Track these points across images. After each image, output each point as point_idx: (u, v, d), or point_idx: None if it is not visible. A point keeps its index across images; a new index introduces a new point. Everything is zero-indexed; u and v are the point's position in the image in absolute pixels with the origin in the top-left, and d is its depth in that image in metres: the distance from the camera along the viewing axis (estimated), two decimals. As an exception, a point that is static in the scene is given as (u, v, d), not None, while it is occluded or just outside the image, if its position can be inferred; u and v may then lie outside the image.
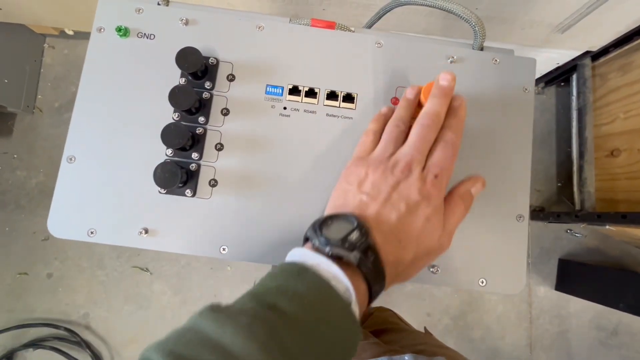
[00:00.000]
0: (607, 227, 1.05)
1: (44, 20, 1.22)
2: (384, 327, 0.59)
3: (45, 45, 1.38)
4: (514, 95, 0.35)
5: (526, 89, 0.35)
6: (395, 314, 0.66)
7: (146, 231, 0.32)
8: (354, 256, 0.23)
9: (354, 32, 0.37)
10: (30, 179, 1.30)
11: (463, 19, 0.35)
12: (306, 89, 0.35)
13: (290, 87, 0.35)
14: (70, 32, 1.32)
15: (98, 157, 0.33)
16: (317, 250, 0.24)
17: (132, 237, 0.32)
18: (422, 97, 0.32)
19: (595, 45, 1.07)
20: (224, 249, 0.32)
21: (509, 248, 0.33)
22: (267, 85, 0.35)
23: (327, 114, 0.34)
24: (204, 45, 0.35)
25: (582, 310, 1.30)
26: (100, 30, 0.34)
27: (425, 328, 0.60)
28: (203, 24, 0.35)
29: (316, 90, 0.35)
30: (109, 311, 1.26)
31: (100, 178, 0.33)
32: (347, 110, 0.35)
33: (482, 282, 0.33)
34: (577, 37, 0.99)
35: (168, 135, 0.31)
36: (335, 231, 0.24)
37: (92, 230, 0.32)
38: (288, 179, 0.33)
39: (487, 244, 0.33)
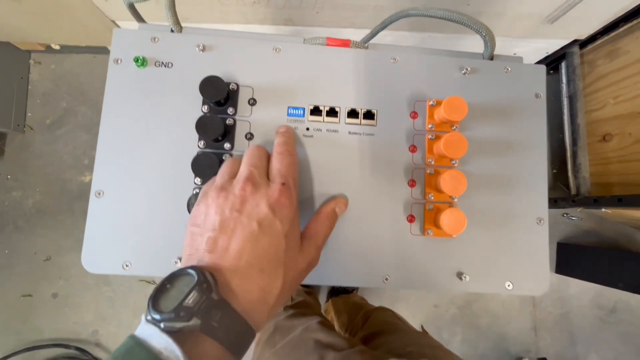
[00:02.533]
0: (603, 210, 1.09)
1: (30, 36, 1.19)
2: (379, 329, 0.60)
3: (31, 61, 1.34)
4: (527, 102, 0.37)
5: (538, 95, 0.37)
6: (395, 314, 0.67)
7: (180, 260, 0.32)
8: (194, 324, 0.21)
9: (367, 48, 0.38)
10: (26, 199, 1.28)
11: (473, 29, 0.36)
12: (327, 108, 0.35)
13: (312, 107, 0.35)
14: (57, 47, 1.29)
15: (127, 190, 0.33)
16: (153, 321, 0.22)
17: (168, 267, 0.32)
18: (443, 111, 0.33)
19: (584, 33, 1.09)
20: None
21: (532, 251, 0.35)
22: (289, 107, 0.35)
23: (350, 132, 0.35)
24: (223, 70, 0.35)
25: (582, 291, 1.35)
26: (117, 61, 0.34)
27: (422, 327, 0.62)
28: (220, 49, 0.35)
29: (337, 109, 0.35)
30: (119, 326, 1.26)
31: (130, 210, 0.33)
32: (368, 127, 0.35)
33: (509, 286, 0.34)
34: (566, 27, 1.01)
35: (199, 164, 0.31)
36: (172, 299, 0.22)
37: (127, 263, 0.32)
38: (315, 196, 0.34)
39: (510, 248, 0.35)
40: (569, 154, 1.24)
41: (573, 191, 1.22)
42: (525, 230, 0.35)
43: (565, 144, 1.27)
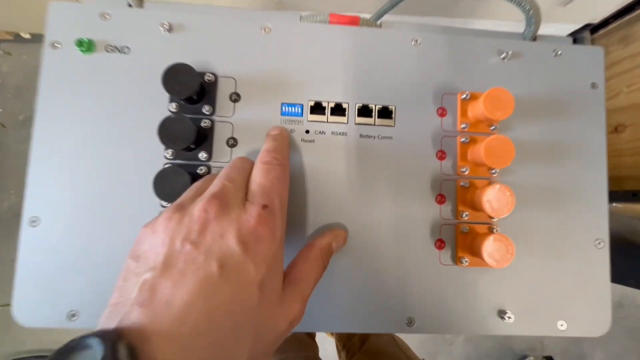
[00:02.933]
0: (614, 204, 1.04)
1: (-5, 24, 1.08)
2: (377, 357, 0.54)
3: (0, 52, 1.23)
4: (581, 94, 0.29)
5: (595, 85, 0.29)
6: (393, 340, 0.61)
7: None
8: None
9: (381, 27, 0.30)
10: (1, 202, 1.18)
11: (514, 2, 0.29)
12: (332, 105, 0.28)
13: (312, 104, 0.27)
14: (27, 36, 1.18)
15: (70, 216, 0.25)
16: None
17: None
18: (483, 106, 0.25)
19: (596, 17, 1.02)
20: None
21: (589, 280, 0.28)
22: (283, 103, 0.27)
23: (361, 135, 0.28)
24: (196, 57, 0.27)
25: (588, 287, 1.31)
26: (54, 45, 0.26)
27: None
28: (192, 29, 0.27)
29: (344, 105, 0.28)
30: (106, 336, 1.18)
31: (76, 243, 0.25)
32: (385, 129, 0.28)
33: (562, 326, 0.28)
34: (579, 10, 0.94)
35: (163, 182, 0.23)
36: None
37: (74, 313, 0.25)
38: (317, 219, 0.27)
39: (564, 279, 0.28)
40: (578, 146, 1.18)
41: (583, 185, 1.16)
42: (581, 255, 0.28)
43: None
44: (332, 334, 0.85)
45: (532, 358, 1.28)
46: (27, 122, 1.22)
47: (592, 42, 1.26)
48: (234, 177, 0.21)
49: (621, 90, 1.19)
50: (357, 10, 0.89)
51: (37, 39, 1.20)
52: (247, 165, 0.22)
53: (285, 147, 0.25)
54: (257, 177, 0.21)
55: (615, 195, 1.10)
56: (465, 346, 1.29)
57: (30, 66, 1.24)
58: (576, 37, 1.29)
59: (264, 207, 0.19)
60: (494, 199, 0.25)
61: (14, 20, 1.05)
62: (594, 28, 1.23)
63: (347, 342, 0.68)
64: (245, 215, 0.19)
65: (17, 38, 1.19)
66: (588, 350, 1.31)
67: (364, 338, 0.62)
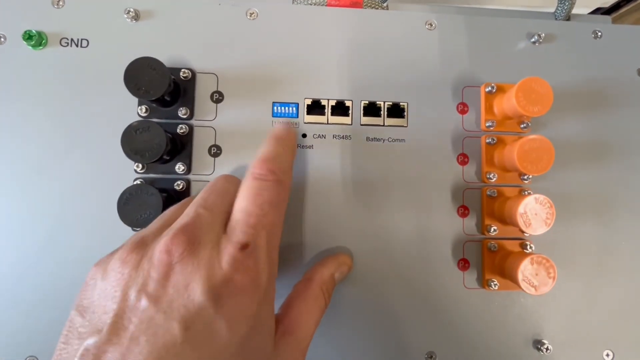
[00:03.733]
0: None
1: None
2: None
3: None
4: (626, 82, 0.25)
5: (641, 72, 0.25)
6: None
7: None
8: None
9: (388, 9, 0.25)
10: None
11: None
12: (332, 103, 0.23)
13: (309, 102, 0.23)
14: None
15: (22, 246, 0.21)
16: None
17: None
18: (515, 101, 0.21)
19: (608, 1, 0.97)
20: None
21: (638, 302, 0.24)
22: (274, 102, 0.23)
23: (368, 138, 0.23)
24: (170, 50, 0.23)
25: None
26: (-1, 40, 0.22)
27: None
28: (163, 16, 0.23)
29: (347, 103, 0.23)
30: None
31: (31, 277, 0.21)
32: (395, 130, 0.23)
33: (608, 356, 0.24)
34: (590, -7, 0.89)
35: (130, 206, 0.19)
36: None
37: (33, 359, 0.21)
38: (319, 239, 0.23)
39: (609, 301, 0.24)
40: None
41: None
42: (629, 274, 0.24)
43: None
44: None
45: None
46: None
47: (603, 26, 1.21)
48: (212, 202, 0.16)
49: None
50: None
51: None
52: (232, 187, 0.18)
53: (289, 153, 0.20)
54: (243, 200, 0.16)
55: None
56: None
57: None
58: (587, 21, 1.22)
59: (244, 246, 0.15)
60: (530, 211, 0.20)
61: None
62: (605, 12, 1.17)
63: None
64: (218, 257, 0.14)
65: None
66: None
67: None
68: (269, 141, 0.19)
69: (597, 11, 1.14)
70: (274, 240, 0.17)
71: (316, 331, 0.19)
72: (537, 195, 0.21)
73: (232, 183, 0.18)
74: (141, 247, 0.15)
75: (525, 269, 0.20)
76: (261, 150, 0.19)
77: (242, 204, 0.16)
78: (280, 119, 0.23)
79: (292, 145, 0.20)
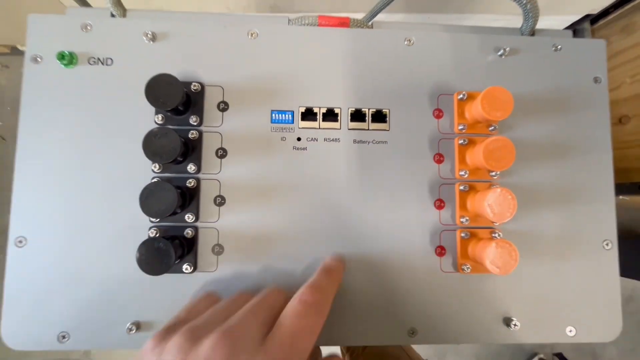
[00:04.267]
0: (621, 197, 1.02)
1: (-9, 38, 1.08)
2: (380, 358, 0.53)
3: (-3, 65, 1.23)
4: (584, 89, 0.28)
5: (598, 80, 0.28)
6: None
7: (138, 326, 0.24)
8: None
9: (372, 28, 0.29)
10: (2, 216, 1.19)
11: (510, -4, 0.28)
12: (323, 110, 0.27)
13: (303, 110, 0.26)
14: (24, 48, 1.19)
15: (58, 235, 0.24)
16: None
17: (119, 337, 0.24)
18: (481, 107, 0.24)
19: (596, 8, 1.00)
20: (243, 335, 0.25)
21: (599, 283, 0.27)
22: (272, 110, 0.26)
23: (355, 140, 0.27)
24: (181, 66, 0.26)
25: (597, 282, 1.29)
26: (36, 59, 0.25)
27: None
28: (176, 37, 0.26)
29: (336, 110, 0.27)
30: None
31: (64, 262, 0.24)
32: (379, 133, 0.27)
33: (571, 332, 0.26)
34: (577, 1, 0.93)
35: (150, 199, 0.22)
36: None
37: (64, 334, 0.24)
38: (313, 229, 0.26)
39: (570, 283, 0.27)
40: (582, 138, 1.16)
41: (588, 178, 1.15)
42: (589, 258, 0.27)
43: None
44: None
45: (542, 355, 1.26)
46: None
47: (593, 33, 1.24)
48: (262, 313, 0.19)
49: (624, 81, 1.16)
50: (352, 9, 0.88)
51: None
52: (279, 302, 0.20)
53: (334, 286, 0.22)
54: (287, 319, 0.18)
55: (621, 188, 1.08)
56: (474, 345, 1.27)
57: (28, 78, 1.24)
58: (576, 28, 1.26)
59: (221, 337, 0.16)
60: (494, 203, 0.24)
61: (11, 33, 1.05)
62: (594, 19, 1.20)
63: (352, 348, 0.67)
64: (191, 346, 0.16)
65: (14, 51, 1.19)
66: (599, 346, 1.29)
67: None
68: (320, 271, 0.22)
69: (586, 18, 1.17)
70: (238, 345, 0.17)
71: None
72: (500, 189, 0.24)
73: (281, 296, 0.21)
74: (192, 340, 0.17)
75: (491, 253, 0.23)
76: (312, 279, 0.21)
77: (286, 323, 0.18)
78: (333, 254, 0.25)
79: (338, 279, 0.23)
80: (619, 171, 1.05)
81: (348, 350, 0.66)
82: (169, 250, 0.22)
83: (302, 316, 0.19)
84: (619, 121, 1.23)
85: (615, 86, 1.21)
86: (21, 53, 1.20)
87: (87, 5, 0.32)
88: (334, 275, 0.22)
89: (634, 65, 1.12)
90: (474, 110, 0.25)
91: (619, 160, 1.20)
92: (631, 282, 1.30)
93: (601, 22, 1.20)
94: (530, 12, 0.28)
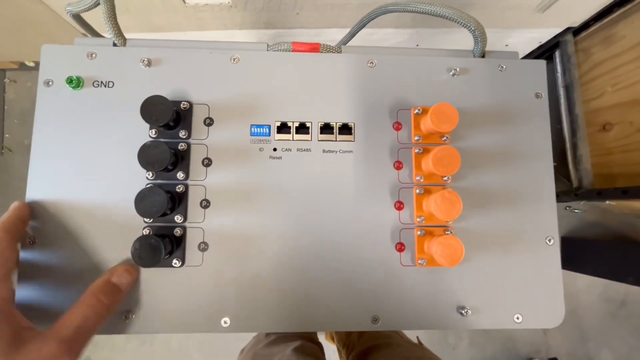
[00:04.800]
0: (608, 202, 1.05)
1: (2, 55, 1.14)
2: (373, 344, 0.57)
3: (6, 80, 1.29)
4: (526, 104, 0.32)
5: (539, 95, 0.32)
6: None
7: (130, 314, 0.27)
8: None
9: (341, 52, 0.33)
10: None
11: (460, 23, 0.32)
12: (296, 124, 0.30)
13: (278, 124, 0.30)
14: (31, 64, 1.25)
15: (64, 234, 0.28)
16: None
17: (113, 325, 0.27)
18: (430, 121, 0.28)
19: (577, 20, 1.05)
20: (225, 322, 0.28)
21: (543, 275, 0.30)
22: (252, 125, 0.30)
23: (324, 150, 0.30)
24: (172, 87, 0.30)
25: (589, 286, 1.31)
26: (48, 83, 0.29)
27: (417, 338, 0.59)
28: (168, 63, 0.30)
29: (308, 124, 0.31)
30: (112, 351, 1.21)
31: (70, 259, 0.28)
32: (346, 143, 0.31)
33: (518, 319, 0.30)
34: (558, 15, 0.97)
35: (144, 202, 0.26)
36: None
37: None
38: (287, 230, 0.29)
39: (517, 275, 0.30)
40: (568, 145, 1.20)
41: (575, 184, 1.17)
42: (533, 252, 0.30)
43: (564, 135, 1.22)
44: (332, 339, 0.87)
45: (537, 360, 1.27)
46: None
47: (575, 44, 1.29)
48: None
49: (606, 90, 1.21)
50: (343, 24, 0.93)
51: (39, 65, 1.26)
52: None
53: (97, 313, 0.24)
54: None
55: (607, 193, 1.11)
56: (470, 350, 1.28)
57: (34, 92, 1.29)
58: (559, 40, 1.31)
59: None
60: (441, 202, 0.27)
61: (17, 50, 1.11)
62: (576, 31, 1.25)
63: (346, 340, 0.70)
64: None
65: (22, 66, 1.25)
66: (594, 351, 1.30)
67: (362, 333, 0.65)
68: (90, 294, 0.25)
69: (568, 30, 1.22)
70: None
71: (288, 297, 0.25)
72: (446, 191, 0.27)
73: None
74: None
75: (437, 248, 0.27)
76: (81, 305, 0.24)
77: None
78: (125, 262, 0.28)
79: (112, 300, 0.26)
80: (604, 177, 1.09)
81: (344, 346, 0.69)
82: (160, 246, 0.25)
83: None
84: (602, 128, 1.26)
85: (598, 95, 1.25)
86: (28, 69, 1.26)
87: (96, 33, 0.36)
88: (103, 301, 0.25)
89: (615, 74, 1.17)
90: (427, 123, 0.29)
91: (604, 167, 1.23)
92: (623, 287, 1.32)
93: (583, 34, 1.25)
94: (479, 37, 0.32)
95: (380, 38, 0.96)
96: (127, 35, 0.32)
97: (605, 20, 1.05)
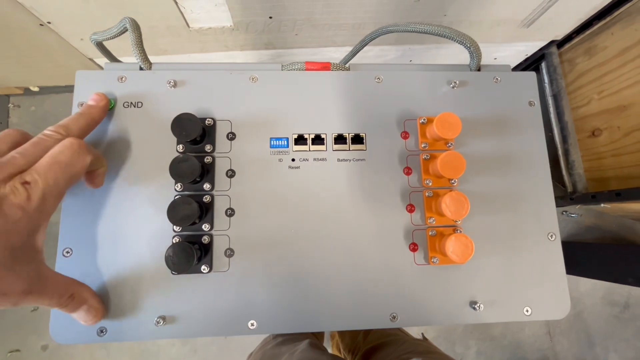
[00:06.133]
0: (602, 205, 1.08)
1: (6, 80, 1.17)
2: (378, 343, 0.58)
3: (10, 105, 1.32)
4: (521, 111, 0.35)
5: (532, 103, 0.35)
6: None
7: (164, 319, 0.29)
8: None
9: (349, 69, 0.36)
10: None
11: (457, 41, 0.35)
12: (312, 136, 0.33)
13: (296, 136, 0.33)
14: (35, 89, 1.27)
15: (98, 246, 0.30)
16: None
17: (149, 330, 0.29)
18: (436, 128, 0.31)
19: (560, 34, 1.11)
20: (252, 324, 0.30)
21: (547, 270, 0.32)
22: (271, 138, 0.33)
23: (339, 159, 0.33)
24: (197, 106, 0.33)
25: (592, 289, 1.32)
26: (81, 106, 0.32)
27: (422, 335, 0.60)
28: (192, 83, 0.33)
29: (322, 135, 0.33)
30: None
31: (103, 268, 0.29)
32: (358, 152, 0.33)
33: (527, 311, 0.31)
34: (542, 29, 1.03)
35: (175, 210, 0.28)
36: None
37: (102, 329, 0.29)
38: (307, 234, 0.31)
39: (524, 270, 0.32)
40: (560, 152, 1.24)
41: (570, 189, 1.21)
42: (537, 248, 0.32)
43: (556, 142, 1.27)
44: (339, 350, 0.87)
45: (545, 366, 1.27)
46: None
47: (560, 56, 1.36)
48: (25, 153, 0.23)
49: (592, 97, 1.26)
50: (340, 43, 0.97)
51: (44, 90, 1.29)
52: (48, 144, 0.25)
53: (84, 125, 0.28)
54: (43, 159, 0.23)
55: (601, 197, 1.15)
56: (477, 359, 1.28)
57: (38, 117, 1.32)
58: (545, 52, 1.37)
59: (25, 183, 0.22)
60: (450, 203, 0.29)
61: (23, 76, 1.14)
62: (560, 43, 1.32)
63: (352, 345, 0.71)
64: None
65: (27, 91, 1.28)
66: (601, 355, 1.30)
67: (366, 333, 0.65)
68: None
69: (552, 43, 1.28)
70: (48, 190, 0.23)
71: (310, 297, 0.28)
72: (454, 192, 0.30)
73: (41, 149, 0.24)
74: None
75: (450, 244, 0.29)
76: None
77: (37, 164, 0.23)
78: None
79: (91, 116, 0.29)
80: (597, 181, 1.13)
81: (350, 352, 0.69)
82: (192, 251, 0.27)
83: (54, 153, 0.24)
84: (592, 134, 1.31)
85: (585, 102, 1.30)
86: (32, 94, 1.29)
87: (114, 58, 0.39)
88: (85, 116, 0.28)
89: (599, 83, 1.22)
90: (432, 131, 0.32)
91: (596, 171, 1.27)
92: (626, 289, 1.34)
93: (566, 46, 1.32)
94: (474, 53, 0.35)
95: (376, 54, 1.01)
96: (127, 59, 0.34)
97: (587, 32, 1.11)
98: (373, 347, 0.58)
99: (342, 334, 0.85)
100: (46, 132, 0.26)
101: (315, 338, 0.74)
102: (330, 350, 1.04)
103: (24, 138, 0.25)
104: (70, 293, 0.26)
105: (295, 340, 0.56)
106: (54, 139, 0.25)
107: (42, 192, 0.22)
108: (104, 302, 0.29)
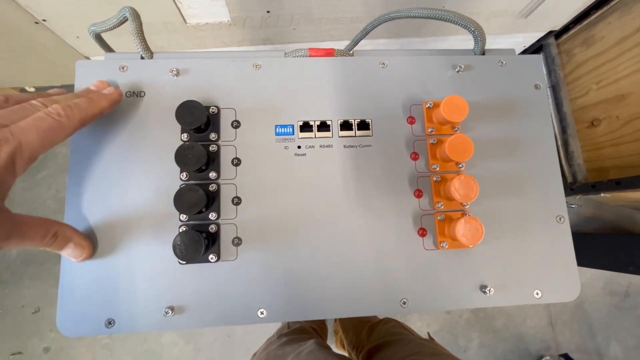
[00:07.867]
0: (602, 194, 1.08)
1: (3, 82, 1.16)
2: (383, 342, 0.58)
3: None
4: (527, 94, 0.35)
5: (537, 86, 0.35)
6: (399, 323, 0.65)
7: (172, 310, 0.29)
8: None
9: (353, 56, 0.35)
10: (10, 250, 1.21)
11: (461, 25, 0.34)
12: (318, 123, 0.33)
13: (301, 123, 0.32)
14: (31, 89, 1.26)
15: (102, 236, 0.29)
16: None
17: (157, 320, 0.28)
18: (443, 112, 0.30)
19: (557, 24, 1.11)
20: (261, 312, 0.29)
21: (556, 252, 0.32)
22: (276, 125, 0.32)
23: (345, 146, 0.32)
24: (201, 94, 0.32)
25: (592, 279, 1.33)
26: (83, 96, 0.31)
27: (428, 334, 0.60)
28: (195, 72, 0.32)
29: (328, 122, 0.33)
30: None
31: (109, 260, 0.29)
32: (364, 138, 0.33)
33: (538, 294, 0.31)
34: (539, 20, 1.03)
35: (181, 199, 0.28)
36: None
37: (111, 320, 0.28)
38: (315, 221, 0.31)
39: (533, 253, 0.32)
40: (560, 142, 1.24)
41: (569, 179, 1.21)
42: (546, 231, 0.32)
43: (555, 133, 1.27)
44: (343, 346, 0.87)
45: (548, 357, 1.27)
46: (32, 170, 1.27)
47: (558, 46, 1.36)
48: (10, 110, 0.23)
49: (591, 87, 1.26)
50: (337, 37, 0.97)
51: (40, 91, 1.28)
52: (34, 107, 0.25)
53: (88, 110, 0.27)
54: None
55: (601, 186, 1.15)
56: (480, 351, 1.28)
57: (34, 117, 1.31)
58: (543, 43, 1.37)
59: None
60: (459, 186, 0.29)
61: (18, 76, 1.13)
62: (557, 34, 1.32)
63: (356, 342, 0.71)
64: None
65: (23, 92, 1.27)
66: (603, 344, 1.31)
67: (371, 331, 0.65)
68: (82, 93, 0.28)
69: (550, 34, 1.28)
70: (22, 143, 0.22)
71: (321, 285, 0.28)
72: (463, 175, 0.29)
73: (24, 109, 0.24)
74: None
75: (460, 228, 0.29)
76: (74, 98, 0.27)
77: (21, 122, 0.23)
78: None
79: (98, 105, 0.28)
80: (596, 171, 1.13)
81: (354, 348, 0.69)
82: (200, 240, 0.27)
83: (42, 116, 0.24)
84: (591, 124, 1.31)
85: (584, 93, 1.31)
86: (28, 93, 1.28)
87: (112, 52, 0.39)
88: (93, 101, 0.27)
89: (597, 73, 1.23)
90: (439, 115, 0.32)
91: (595, 161, 1.27)
92: (626, 278, 1.34)
93: (564, 36, 1.32)
94: (479, 37, 0.35)
95: (374, 48, 1.01)
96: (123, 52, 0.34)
97: (584, 23, 1.11)
98: (377, 345, 0.58)
99: (346, 330, 0.85)
100: (32, 102, 0.25)
101: (320, 337, 0.74)
102: (334, 346, 1.04)
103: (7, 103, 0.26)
104: (53, 232, 0.26)
105: (299, 340, 0.56)
106: (36, 109, 0.25)
107: (12, 151, 0.22)
108: (108, 292, 0.28)
